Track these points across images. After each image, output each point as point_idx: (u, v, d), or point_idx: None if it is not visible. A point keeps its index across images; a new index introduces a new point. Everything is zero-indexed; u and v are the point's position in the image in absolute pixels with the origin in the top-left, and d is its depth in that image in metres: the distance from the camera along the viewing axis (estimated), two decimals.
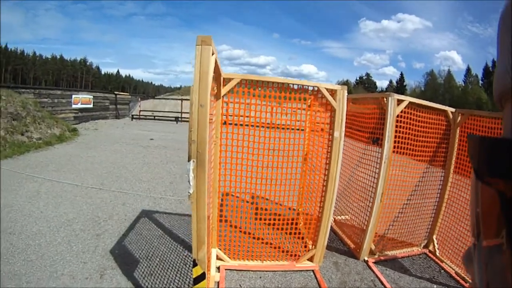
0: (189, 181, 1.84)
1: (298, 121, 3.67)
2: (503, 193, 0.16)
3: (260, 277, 3.37)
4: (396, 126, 3.88)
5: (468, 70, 60.77)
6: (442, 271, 4.02)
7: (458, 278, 3.81)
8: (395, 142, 3.89)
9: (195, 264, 2.25)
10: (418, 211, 4.39)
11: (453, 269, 3.96)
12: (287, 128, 3.58)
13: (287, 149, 3.47)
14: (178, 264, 3.51)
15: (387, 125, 3.79)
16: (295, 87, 3.23)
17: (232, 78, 3.08)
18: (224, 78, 3.07)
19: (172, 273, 3.32)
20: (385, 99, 3.90)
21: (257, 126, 3.36)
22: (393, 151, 3.92)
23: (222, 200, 3.46)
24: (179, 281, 3.19)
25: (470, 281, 3.67)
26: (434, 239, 4.47)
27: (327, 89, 3.22)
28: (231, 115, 3.30)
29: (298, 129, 3.78)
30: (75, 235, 3.96)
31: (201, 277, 2.31)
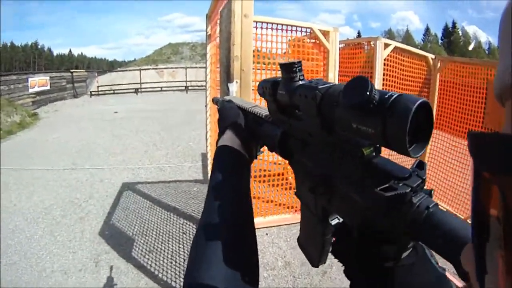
0: None
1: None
2: (504, 190, 0.15)
3: (267, 234, 3.26)
4: (384, 69, 3.83)
5: (427, 29, 62.23)
6: None
7: (451, 210, 3.90)
8: (382, 85, 3.84)
9: None
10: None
11: (443, 207, 4.04)
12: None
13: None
14: (177, 235, 3.30)
15: (376, 67, 3.75)
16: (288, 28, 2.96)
17: None
18: None
19: (173, 245, 3.11)
20: (372, 43, 3.82)
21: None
22: None
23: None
24: (184, 253, 2.99)
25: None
26: None
27: (320, 30, 2.98)
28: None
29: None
30: (56, 223, 3.57)
31: None
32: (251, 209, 0.54)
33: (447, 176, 4.09)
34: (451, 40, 56.99)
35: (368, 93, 0.29)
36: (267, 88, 0.51)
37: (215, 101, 0.80)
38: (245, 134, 0.62)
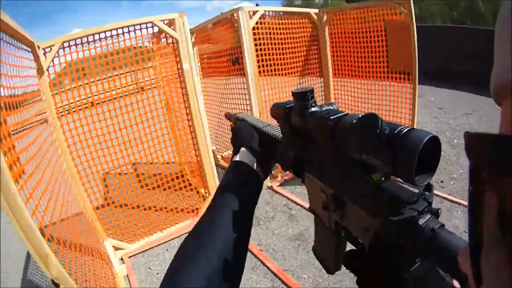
0: None
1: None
2: (503, 191, 0.15)
3: (167, 249, 3.05)
4: (255, 39, 3.61)
5: None
6: None
7: None
8: (257, 56, 3.65)
9: (56, 286, 1.40)
10: None
11: None
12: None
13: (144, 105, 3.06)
14: None
15: (244, 39, 3.48)
16: (126, 30, 2.73)
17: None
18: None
19: None
20: (235, 15, 3.51)
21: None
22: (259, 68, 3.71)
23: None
24: None
25: None
26: None
27: (163, 21, 2.80)
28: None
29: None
30: None
31: None
32: (250, 228, 0.58)
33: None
34: None
35: (378, 131, 0.31)
36: (280, 114, 0.54)
37: (228, 116, 0.80)
38: (259, 152, 0.64)
